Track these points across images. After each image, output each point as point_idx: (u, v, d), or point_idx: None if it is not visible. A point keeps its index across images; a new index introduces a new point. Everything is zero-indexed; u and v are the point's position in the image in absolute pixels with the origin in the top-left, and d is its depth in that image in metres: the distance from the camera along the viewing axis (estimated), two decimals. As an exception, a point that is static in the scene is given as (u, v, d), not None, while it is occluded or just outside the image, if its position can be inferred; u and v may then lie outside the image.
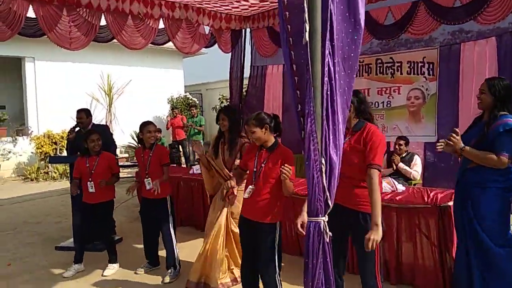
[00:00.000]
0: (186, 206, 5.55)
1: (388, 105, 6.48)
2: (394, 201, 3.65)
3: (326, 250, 1.49)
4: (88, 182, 4.24)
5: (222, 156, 3.70)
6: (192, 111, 11.28)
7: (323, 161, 1.46)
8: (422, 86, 6.11)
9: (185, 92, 15.50)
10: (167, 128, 11.90)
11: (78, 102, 9.16)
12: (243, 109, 8.01)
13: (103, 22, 5.79)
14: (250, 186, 2.83)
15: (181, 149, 11.08)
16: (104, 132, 5.13)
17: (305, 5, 1.45)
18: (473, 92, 5.49)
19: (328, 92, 1.45)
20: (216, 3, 6.40)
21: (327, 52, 1.43)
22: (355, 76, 1.64)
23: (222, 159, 3.69)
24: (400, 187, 4.06)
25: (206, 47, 7.60)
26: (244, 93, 8.25)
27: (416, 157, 5.58)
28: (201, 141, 11.01)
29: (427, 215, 3.44)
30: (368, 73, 6.69)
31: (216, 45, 7.50)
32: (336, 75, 1.46)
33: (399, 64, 6.33)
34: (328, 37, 1.43)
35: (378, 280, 2.46)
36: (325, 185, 1.47)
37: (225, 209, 3.66)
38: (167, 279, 4.00)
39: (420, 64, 6.11)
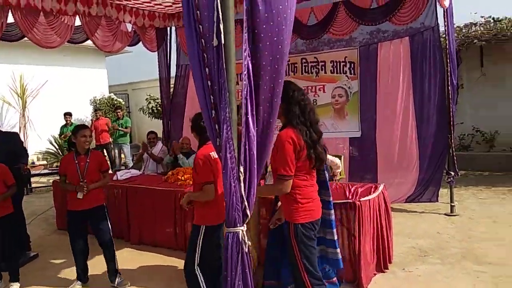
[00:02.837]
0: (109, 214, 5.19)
1: (315, 104, 6.65)
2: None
3: (245, 261, 1.43)
4: None
5: None
6: (117, 113, 10.71)
7: (242, 170, 1.40)
8: (345, 85, 6.36)
9: (110, 93, 14.73)
10: (90, 132, 11.18)
11: (-15, 106, 8.30)
12: (171, 110, 7.78)
13: (11, 19, 5.27)
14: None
15: (105, 154, 10.45)
16: (13, 140, 4.65)
17: (218, 4, 1.38)
18: (389, 89, 5.84)
19: (247, 97, 1.39)
20: (138, 0, 6.11)
21: (245, 54, 1.37)
22: (283, 76, 1.59)
23: None
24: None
25: (129, 45, 7.26)
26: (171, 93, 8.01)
27: None
28: (128, 144, 10.52)
29: (348, 209, 3.45)
30: (294, 72, 6.82)
31: (141, 44, 7.19)
32: (258, 78, 1.40)
33: (323, 63, 6.53)
34: (246, 38, 1.37)
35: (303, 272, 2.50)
36: (243, 194, 1.41)
37: None
38: (123, 283, 3.82)
39: (342, 64, 6.34)
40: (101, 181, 3.83)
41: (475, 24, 8.23)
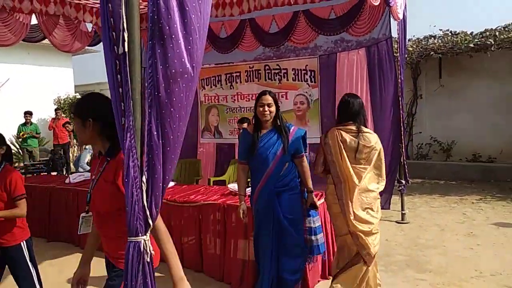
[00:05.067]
0: (59, 219, 5.06)
1: (277, 110, 6.70)
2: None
3: (146, 271, 1.42)
4: None
5: None
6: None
7: (144, 179, 1.40)
8: (306, 92, 6.45)
9: (75, 92, 14.43)
10: (50, 129, 10.90)
11: None
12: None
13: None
14: None
15: (63, 154, 10.17)
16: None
17: (123, 12, 1.38)
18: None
19: (154, 105, 1.39)
20: (98, 0, 6.02)
21: (150, 62, 1.37)
22: (193, 89, 1.54)
23: None
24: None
25: (90, 45, 7.16)
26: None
27: None
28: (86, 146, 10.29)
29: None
30: (258, 79, 6.87)
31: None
32: (163, 88, 1.39)
33: (285, 71, 6.60)
34: (151, 46, 1.37)
35: None
36: (145, 204, 1.40)
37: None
38: None
39: (303, 72, 6.43)
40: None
41: (434, 37, 8.51)
